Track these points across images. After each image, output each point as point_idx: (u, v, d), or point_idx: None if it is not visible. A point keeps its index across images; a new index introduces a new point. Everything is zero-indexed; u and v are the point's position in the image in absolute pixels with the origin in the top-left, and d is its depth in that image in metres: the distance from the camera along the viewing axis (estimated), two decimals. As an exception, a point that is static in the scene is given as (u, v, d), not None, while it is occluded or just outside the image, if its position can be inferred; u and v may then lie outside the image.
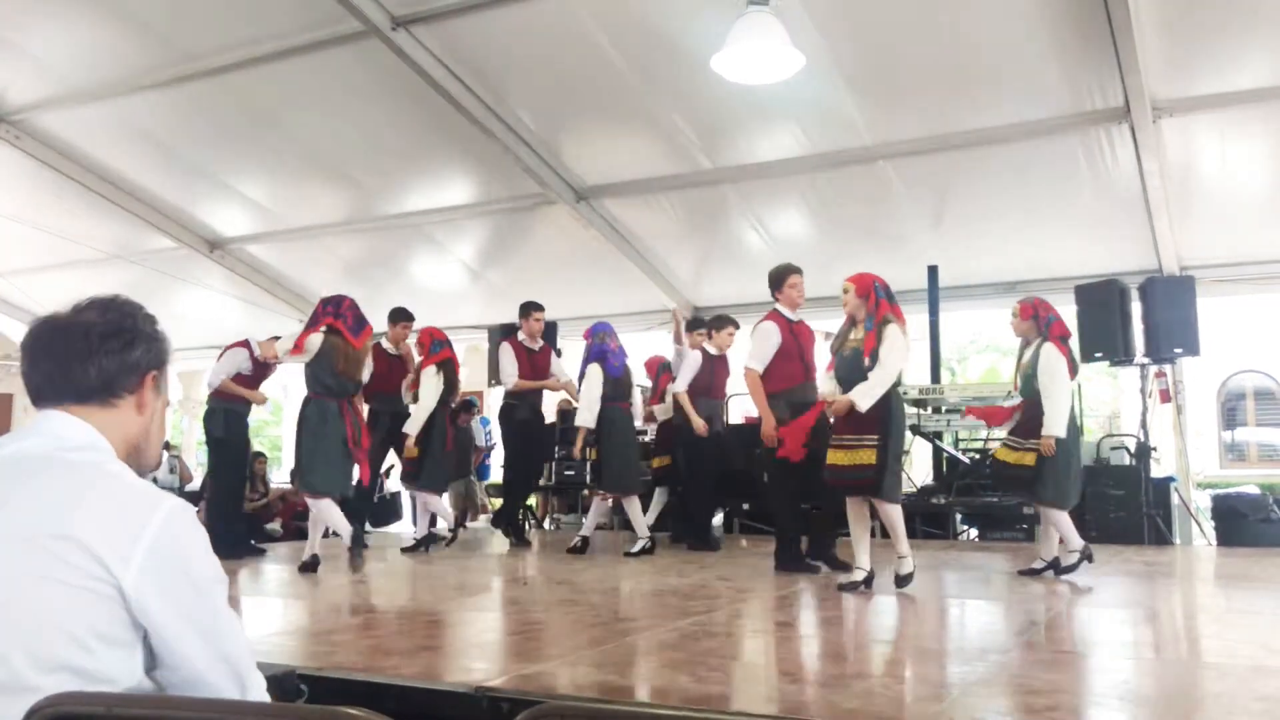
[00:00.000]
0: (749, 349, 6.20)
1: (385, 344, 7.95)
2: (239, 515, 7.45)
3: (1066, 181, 7.96)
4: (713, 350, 7.57)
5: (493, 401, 12.81)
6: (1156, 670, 3.51)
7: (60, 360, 1.51)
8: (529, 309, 8.14)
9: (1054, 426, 5.53)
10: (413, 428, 7.35)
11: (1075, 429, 5.84)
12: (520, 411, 8.03)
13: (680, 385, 7.46)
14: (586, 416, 7.22)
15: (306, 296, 12.02)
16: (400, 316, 7.95)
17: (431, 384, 7.41)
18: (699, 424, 7.33)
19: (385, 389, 7.78)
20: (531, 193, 9.26)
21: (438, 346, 7.59)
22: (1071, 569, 5.58)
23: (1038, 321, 5.81)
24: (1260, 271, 8.58)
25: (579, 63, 7.48)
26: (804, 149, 8.25)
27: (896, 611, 4.85)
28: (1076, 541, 5.65)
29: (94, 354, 1.51)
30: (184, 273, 11.14)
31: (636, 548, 7.12)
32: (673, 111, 8.00)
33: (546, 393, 8.47)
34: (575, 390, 7.85)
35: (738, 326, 7.65)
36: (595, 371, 7.27)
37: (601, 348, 7.36)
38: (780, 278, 6.29)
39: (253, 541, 8.03)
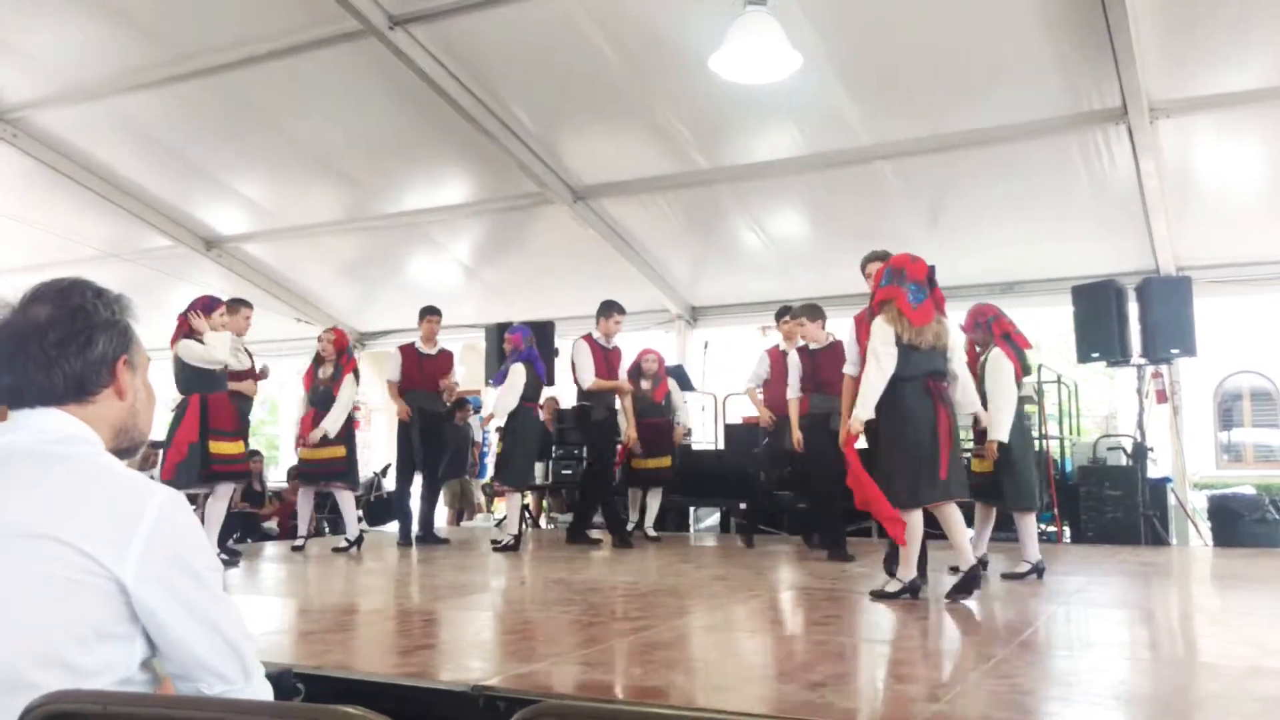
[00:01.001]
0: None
1: (418, 343, 8.28)
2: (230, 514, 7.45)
3: (1063, 182, 7.96)
4: (813, 346, 7.11)
5: (492, 400, 12.83)
6: (1153, 670, 3.51)
7: (21, 372, 1.46)
8: (610, 309, 8.11)
9: (996, 430, 5.48)
10: (334, 426, 7.56)
11: (1024, 433, 5.80)
12: (597, 412, 8.02)
13: (791, 392, 7.17)
14: (504, 412, 7.72)
15: (304, 295, 12.02)
16: (427, 312, 8.31)
17: (351, 390, 7.74)
18: (796, 436, 7.09)
19: (415, 386, 8.14)
20: (529, 192, 9.25)
21: (351, 352, 7.93)
22: (1019, 577, 5.55)
23: (981, 327, 5.77)
24: (1257, 272, 8.59)
25: (576, 62, 7.47)
26: (801, 149, 8.25)
27: (892, 612, 4.85)
28: (1034, 554, 5.62)
29: (54, 363, 1.46)
30: (180, 271, 11.13)
31: (504, 541, 7.61)
32: (670, 111, 8.00)
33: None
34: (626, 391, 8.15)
35: (819, 315, 7.11)
36: (520, 371, 7.72)
37: (530, 350, 7.82)
38: (861, 267, 5.84)
39: (230, 542, 8.03)
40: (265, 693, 1.50)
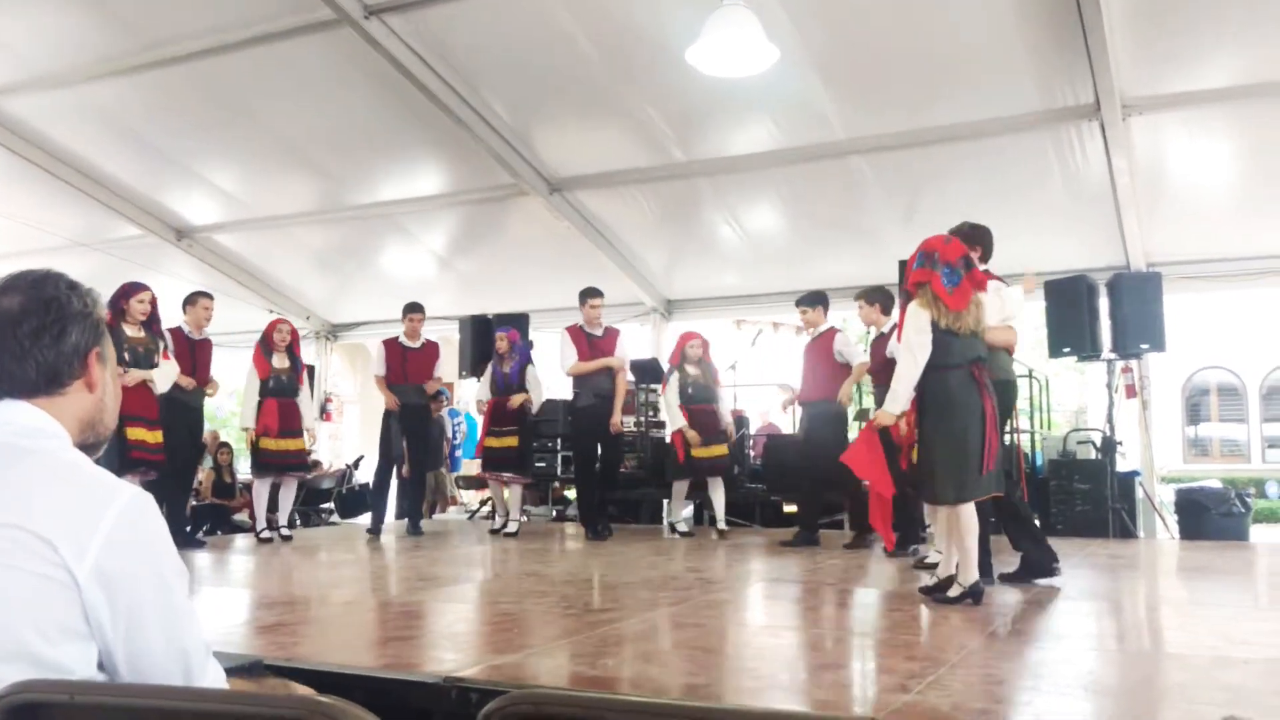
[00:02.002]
0: None
1: (402, 338, 8.34)
2: (179, 506, 7.42)
3: (1037, 178, 8.02)
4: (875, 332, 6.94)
5: (464, 394, 12.78)
6: (1120, 661, 3.55)
7: None
8: (585, 295, 8.05)
9: None
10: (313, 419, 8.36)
11: None
12: (582, 399, 7.95)
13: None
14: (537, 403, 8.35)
15: (276, 287, 11.93)
16: (409, 310, 8.40)
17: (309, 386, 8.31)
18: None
19: (399, 380, 8.23)
20: (504, 183, 9.22)
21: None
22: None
23: None
24: (1225, 269, 8.68)
25: (553, 53, 7.45)
26: (777, 143, 8.26)
27: (866, 604, 4.89)
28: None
29: (27, 354, 1.45)
30: (151, 261, 11.00)
31: (513, 528, 8.11)
32: (647, 104, 7.98)
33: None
34: (624, 372, 8.20)
35: (877, 298, 6.90)
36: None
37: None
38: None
39: (198, 535, 8.04)
40: None
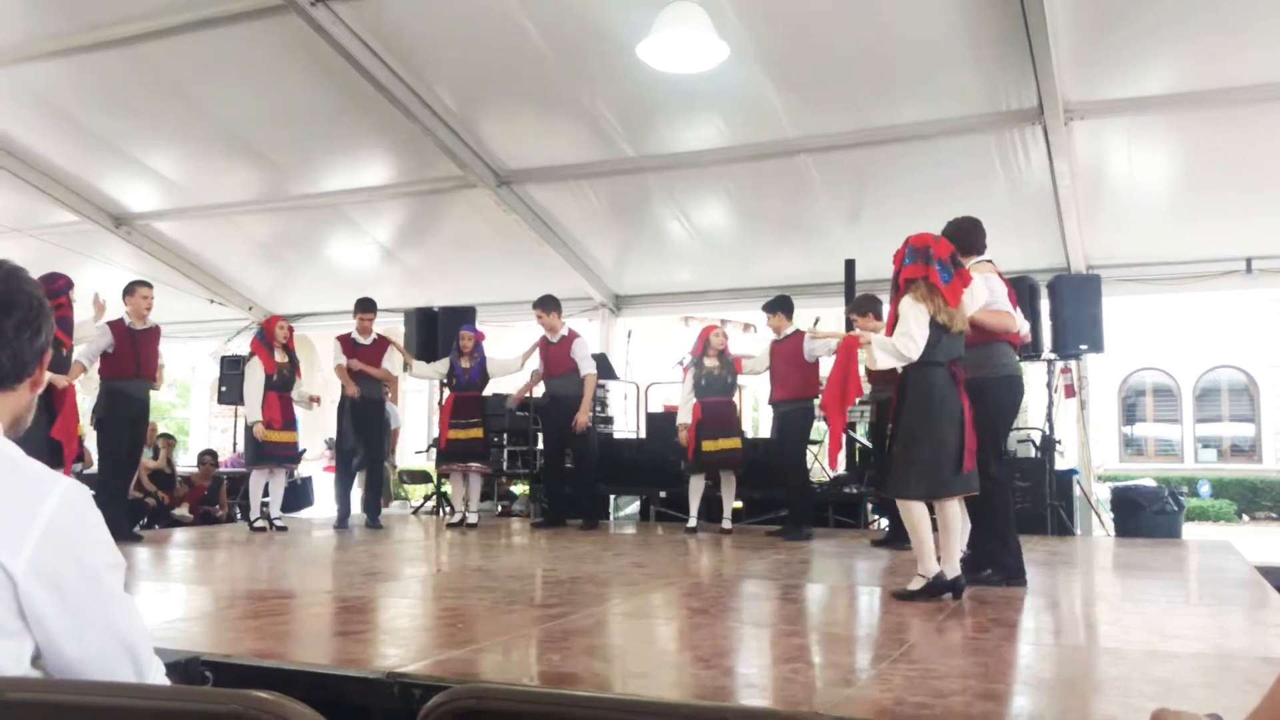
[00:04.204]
0: None
1: (354, 334, 8.49)
2: (118, 500, 7.31)
3: (981, 180, 8.13)
4: None
5: (407, 386, 12.71)
6: (1057, 655, 3.61)
7: None
8: (535, 305, 8.29)
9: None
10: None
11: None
12: (543, 399, 8.62)
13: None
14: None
15: (218, 276, 11.72)
16: (358, 308, 8.51)
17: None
18: None
19: (350, 373, 8.35)
20: (451, 175, 9.14)
21: None
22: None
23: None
24: (1162, 272, 8.88)
25: (502, 45, 7.40)
26: (726, 140, 8.29)
27: (807, 599, 4.92)
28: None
29: (8, 344, 1.41)
30: (88, 248, 10.75)
31: (473, 519, 8.43)
32: (596, 98, 7.96)
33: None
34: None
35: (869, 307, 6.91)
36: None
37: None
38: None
39: (135, 529, 7.91)
40: None
